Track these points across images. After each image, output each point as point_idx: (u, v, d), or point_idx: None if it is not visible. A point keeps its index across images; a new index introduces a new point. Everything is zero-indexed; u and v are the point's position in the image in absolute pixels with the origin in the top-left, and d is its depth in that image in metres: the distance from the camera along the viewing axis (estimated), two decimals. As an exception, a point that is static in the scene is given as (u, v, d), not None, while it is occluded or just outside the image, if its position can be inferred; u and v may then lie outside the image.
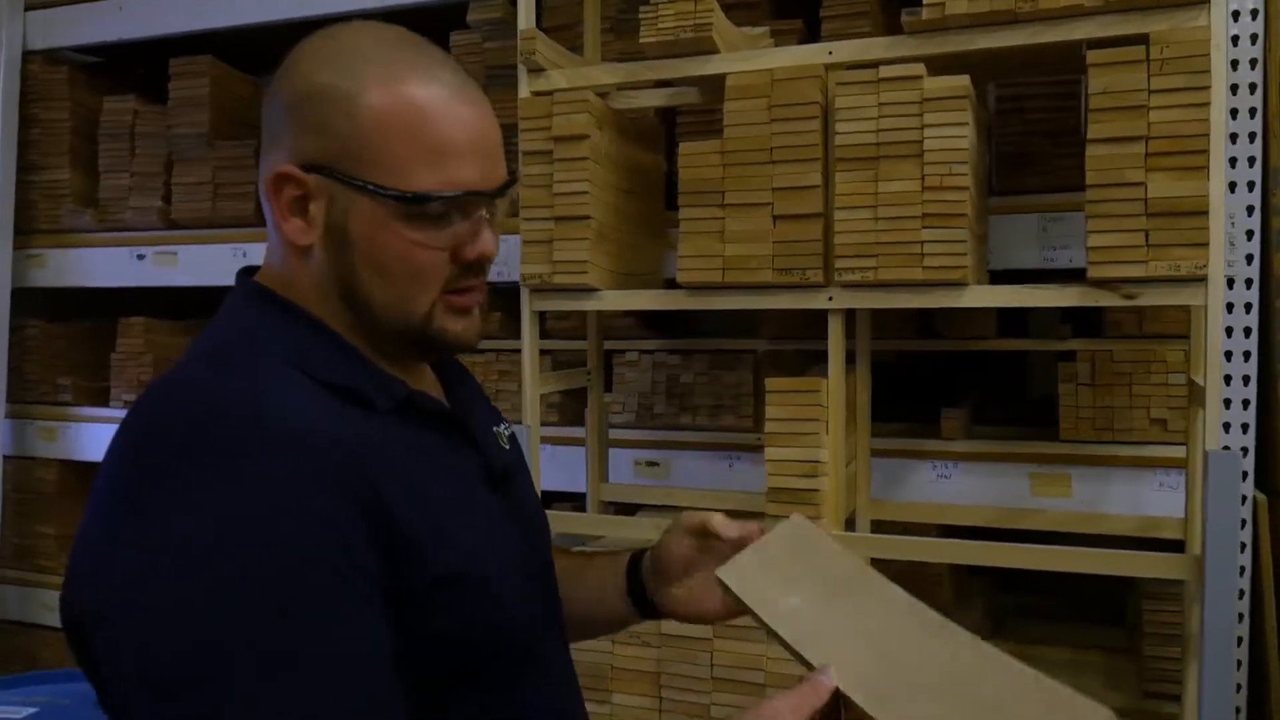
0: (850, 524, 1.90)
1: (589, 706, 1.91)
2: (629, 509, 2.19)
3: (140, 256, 2.76)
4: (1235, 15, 1.96)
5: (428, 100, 0.85)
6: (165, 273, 2.73)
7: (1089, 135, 1.59)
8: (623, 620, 1.15)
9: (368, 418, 0.85)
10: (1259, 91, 1.97)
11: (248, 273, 0.95)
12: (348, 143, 0.84)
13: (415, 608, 0.81)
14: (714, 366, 2.33)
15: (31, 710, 1.30)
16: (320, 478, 0.76)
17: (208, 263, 2.70)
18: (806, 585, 0.96)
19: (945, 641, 0.91)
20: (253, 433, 0.76)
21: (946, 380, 2.58)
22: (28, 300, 2.95)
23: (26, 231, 2.91)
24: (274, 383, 0.82)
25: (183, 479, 0.74)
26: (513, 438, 1.08)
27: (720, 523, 1.04)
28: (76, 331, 3.02)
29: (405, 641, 0.80)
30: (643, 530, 1.93)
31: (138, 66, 2.97)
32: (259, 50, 2.33)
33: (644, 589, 1.11)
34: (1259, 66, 1.97)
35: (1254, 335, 2.00)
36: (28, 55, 2.91)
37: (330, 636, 0.74)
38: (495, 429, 1.04)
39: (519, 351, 2.48)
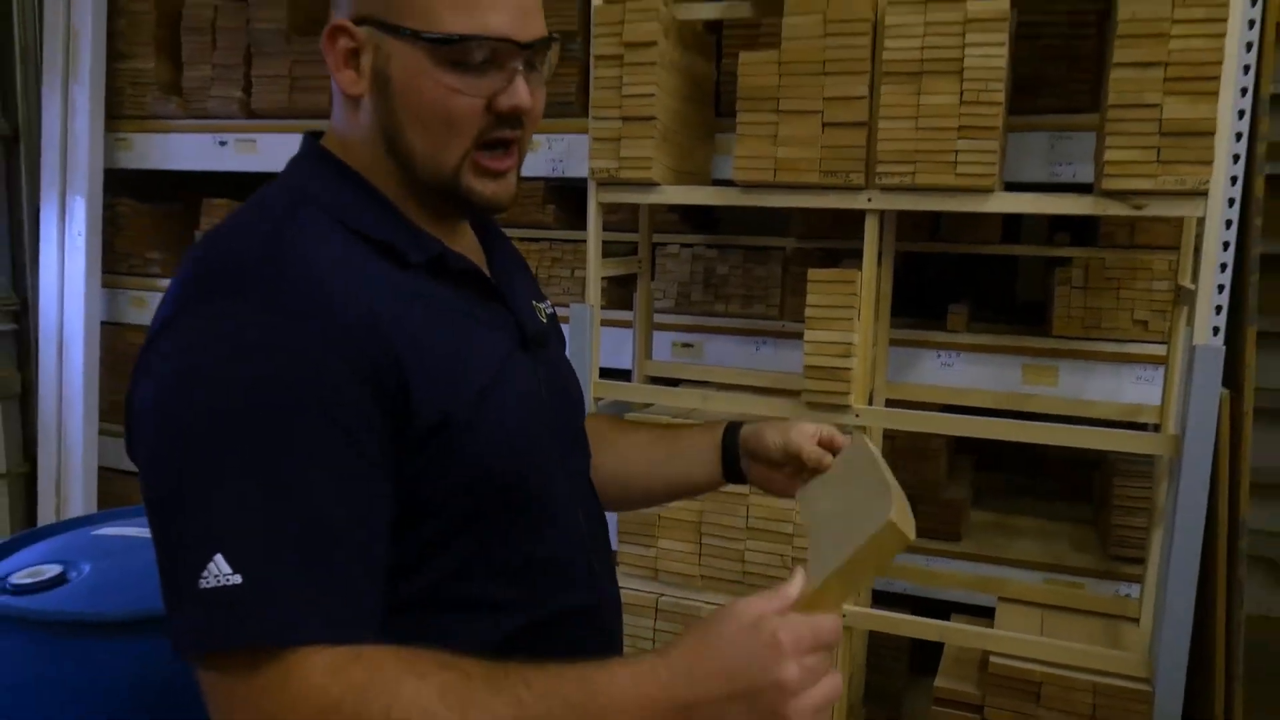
0: (870, 400, 1.97)
1: (636, 550, 2.03)
2: (669, 383, 2.25)
3: (222, 143, 2.75)
4: (1244, -46, 1.96)
5: None
6: (245, 159, 2.73)
7: (1114, 60, 1.62)
8: (710, 484, 1.19)
9: (401, 271, 0.85)
10: (1257, 27, 1.99)
11: (315, 136, 0.95)
12: None
13: (425, 449, 0.82)
14: (747, 260, 2.37)
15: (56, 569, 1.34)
16: (321, 324, 0.77)
17: (286, 150, 2.63)
18: (838, 496, 0.98)
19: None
20: (274, 276, 0.78)
21: (947, 281, 2.64)
22: (115, 181, 2.95)
23: (115, 116, 2.89)
24: (307, 229, 0.83)
25: (206, 312, 0.77)
26: (553, 316, 1.08)
27: (810, 453, 1.07)
28: (163, 211, 3.02)
29: (412, 485, 0.81)
30: (684, 399, 2.00)
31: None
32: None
33: (736, 458, 1.15)
34: (1259, 4, 1.98)
35: (1231, 249, 2.06)
36: (115, -48, 2.85)
37: (313, 462, 0.75)
38: (535, 303, 1.04)
39: (569, 242, 2.55)
